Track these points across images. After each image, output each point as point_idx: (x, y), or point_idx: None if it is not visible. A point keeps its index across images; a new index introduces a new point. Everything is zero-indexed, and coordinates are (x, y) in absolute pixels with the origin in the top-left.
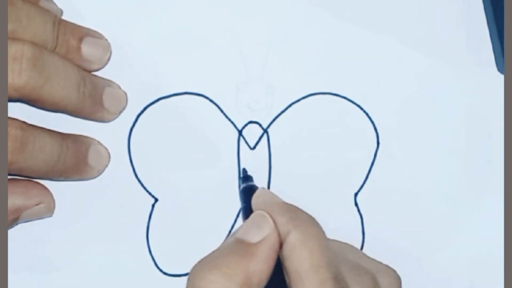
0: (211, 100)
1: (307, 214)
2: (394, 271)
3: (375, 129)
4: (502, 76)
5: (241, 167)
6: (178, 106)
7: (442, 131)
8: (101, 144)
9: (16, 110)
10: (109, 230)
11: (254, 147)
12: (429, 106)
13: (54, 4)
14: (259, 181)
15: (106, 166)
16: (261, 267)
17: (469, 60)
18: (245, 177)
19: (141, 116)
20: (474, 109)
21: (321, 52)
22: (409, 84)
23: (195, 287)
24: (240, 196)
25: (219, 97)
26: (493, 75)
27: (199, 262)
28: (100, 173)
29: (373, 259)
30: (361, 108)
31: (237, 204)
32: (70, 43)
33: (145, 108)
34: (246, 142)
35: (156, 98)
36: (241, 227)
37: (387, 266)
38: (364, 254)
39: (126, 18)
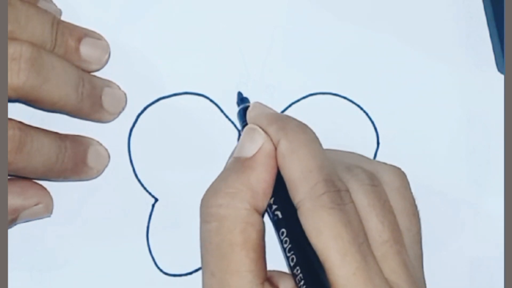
0: (211, 100)
1: (297, 121)
2: (399, 169)
3: (375, 129)
4: (502, 76)
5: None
6: (178, 106)
7: (442, 131)
8: (100, 145)
9: (15, 110)
10: (109, 230)
11: None
12: (429, 106)
13: (53, 4)
14: None
15: (106, 166)
16: (263, 177)
17: (469, 60)
18: (241, 99)
19: (141, 116)
20: (474, 109)
21: (321, 52)
22: (409, 84)
23: (206, 215)
24: (238, 118)
25: (219, 97)
26: (493, 75)
27: (205, 192)
28: (100, 174)
29: (376, 161)
30: (361, 108)
31: None
32: (69, 43)
33: (145, 108)
34: None
35: (156, 98)
36: (236, 146)
37: (391, 165)
38: (367, 158)
39: (126, 18)
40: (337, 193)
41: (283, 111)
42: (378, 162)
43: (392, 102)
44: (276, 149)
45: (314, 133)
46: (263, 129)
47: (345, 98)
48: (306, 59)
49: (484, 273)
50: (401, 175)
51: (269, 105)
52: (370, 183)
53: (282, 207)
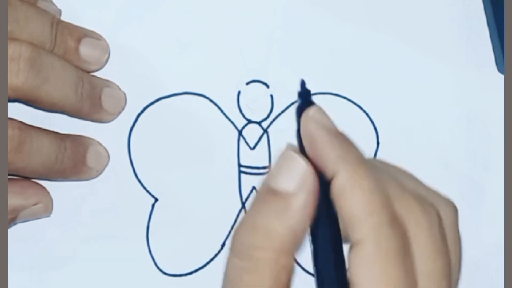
0: (211, 100)
1: (357, 149)
2: (453, 202)
3: (375, 129)
4: (502, 76)
5: (241, 167)
6: (178, 106)
7: (442, 131)
8: (100, 145)
9: (15, 110)
10: (109, 230)
11: (254, 147)
12: (429, 106)
13: (53, 4)
14: (258, 181)
15: (105, 166)
16: (304, 219)
17: (469, 60)
18: (303, 92)
19: (141, 116)
20: (474, 109)
21: (321, 52)
22: (409, 84)
23: (239, 252)
24: (296, 114)
25: (219, 97)
26: (493, 75)
27: (240, 224)
28: (99, 174)
29: (430, 188)
30: (361, 108)
31: (237, 204)
32: (68, 44)
33: (145, 108)
34: (246, 142)
35: (156, 98)
36: (271, 171)
37: (445, 197)
38: (421, 182)
39: (125, 18)
40: (400, 240)
41: (283, 111)
42: (433, 190)
43: (392, 102)
44: (318, 180)
45: (369, 162)
46: (318, 148)
47: (345, 98)
48: (306, 59)
49: (484, 273)
50: (456, 211)
51: (269, 105)
52: (436, 225)
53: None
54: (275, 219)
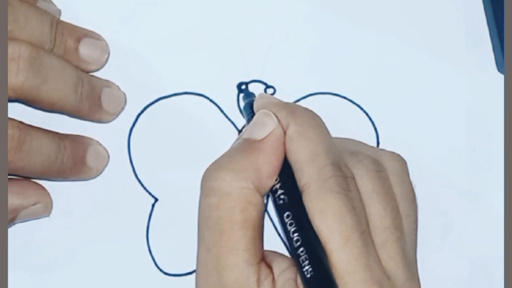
0: (211, 100)
1: (305, 108)
2: (399, 155)
3: (375, 129)
4: (502, 76)
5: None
6: (178, 106)
7: (442, 131)
8: (100, 145)
9: (15, 110)
10: (109, 230)
11: None
12: (429, 106)
13: (53, 4)
14: None
15: (105, 166)
16: (269, 160)
17: (469, 60)
18: (247, 94)
19: (141, 116)
20: (474, 109)
21: (321, 52)
22: (409, 84)
23: (207, 189)
24: (245, 111)
25: (219, 97)
26: (493, 75)
27: (209, 166)
28: (99, 174)
29: (376, 147)
30: (361, 108)
31: None
32: (68, 44)
33: (145, 108)
34: None
35: (156, 98)
36: (246, 128)
37: (391, 151)
38: (368, 144)
39: (125, 18)
40: (344, 179)
41: None
42: (379, 148)
43: (392, 102)
44: (285, 135)
45: (321, 119)
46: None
47: (345, 98)
48: (306, 59)
49: (484, 273)
50: (402, 161)
51: None
52: (375, 169)
53: (287, 191)
54: (243, 157)
